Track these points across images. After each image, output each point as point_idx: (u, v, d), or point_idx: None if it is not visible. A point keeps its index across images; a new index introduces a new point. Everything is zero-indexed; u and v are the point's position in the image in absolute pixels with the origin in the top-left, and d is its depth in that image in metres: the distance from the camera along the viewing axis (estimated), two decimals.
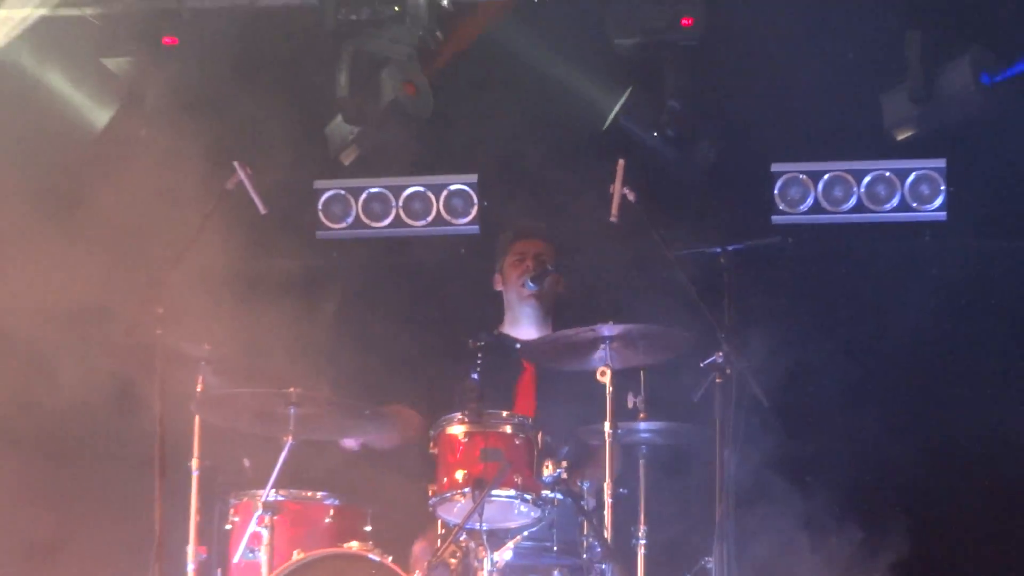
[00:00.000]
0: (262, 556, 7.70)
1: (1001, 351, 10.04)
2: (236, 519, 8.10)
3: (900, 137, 10.06)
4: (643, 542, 7.98)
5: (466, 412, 7.56)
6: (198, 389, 8.07)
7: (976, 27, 10.11)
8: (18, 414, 9.24)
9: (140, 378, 8.42)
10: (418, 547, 8.13)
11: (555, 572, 7.78)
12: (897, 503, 9.81)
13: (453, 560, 7.38)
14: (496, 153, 10.22)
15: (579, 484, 7.83)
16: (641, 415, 8.03)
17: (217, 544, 8.21)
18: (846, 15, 10.25)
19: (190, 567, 7.91)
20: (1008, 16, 10.08)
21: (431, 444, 7.65)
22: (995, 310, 10.16)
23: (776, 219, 10.12)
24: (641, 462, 8.23)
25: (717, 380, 7.82)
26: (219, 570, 8.17)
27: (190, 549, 7.89)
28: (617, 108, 10.24)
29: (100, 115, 10.66)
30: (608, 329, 7.78)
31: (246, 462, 8.70)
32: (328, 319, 10.03)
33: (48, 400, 9.15)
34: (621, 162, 8.29)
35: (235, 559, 7.90)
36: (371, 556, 7.37)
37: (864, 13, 10.18)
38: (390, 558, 7.37)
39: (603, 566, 7.66)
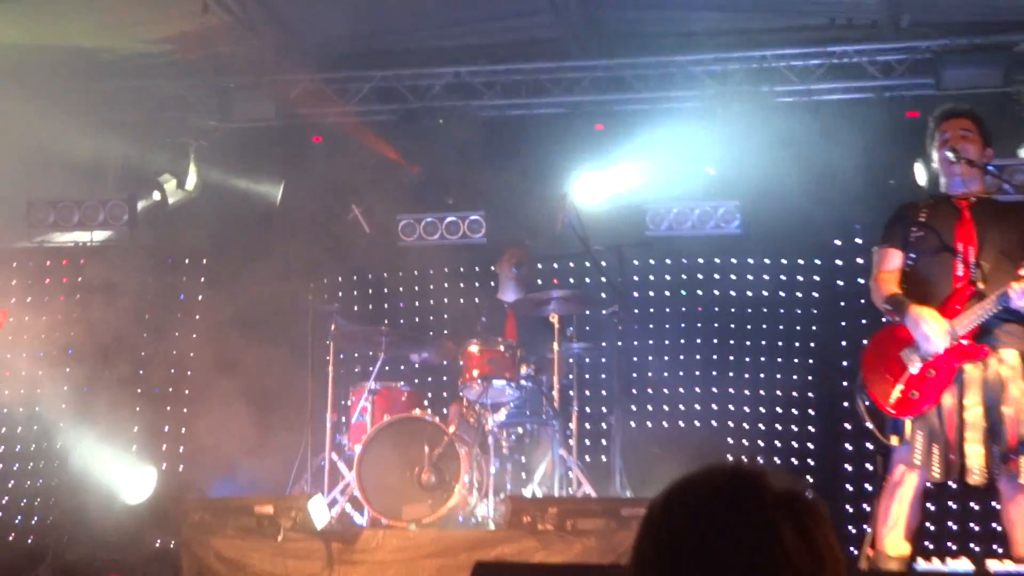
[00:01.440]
0: (367, 419, 8.45)
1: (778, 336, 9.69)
2: (353, 398, 8.76)
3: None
4: (575, 411, 8.71)
5: (478, 339, 8.40)
6: (332, 328, 8.79)
7: None
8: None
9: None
10: (452, 411, 8.64)
11: (528, 425, 8.60)
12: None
13: (471, 419, 8.27)
14: (496, 199, 10.43)
15: (541, 377, 8.57)
16: (573, 339, 8.76)
17: (342, 412, 8.91)
18: None
19: (328, 424, 8.58)
20: None
21: (460, 356, 8.39)
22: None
23: (647, 233, 9.93)
24: (573, 364, 8.89)
25: (615, 321, 8.69)
26: (344, 428, 8.74)
27: (327, 415, 8.65)
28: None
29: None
30: (555, 292, 8.66)
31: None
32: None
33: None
34: (568, 197, 9.08)
35: (353, 420, 8.60)
36: (427, 418, 8.14)
37: None
38: (437, 419, 8.13)
39: (554, 422, 8.43)
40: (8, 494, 7.40)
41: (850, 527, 8.41)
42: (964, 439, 5.72)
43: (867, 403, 6.07)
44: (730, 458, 9.15)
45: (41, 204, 10.45)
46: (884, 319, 6.21)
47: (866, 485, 8.62)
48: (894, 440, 5.93)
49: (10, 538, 8.67)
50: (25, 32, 9.38)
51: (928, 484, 5.94)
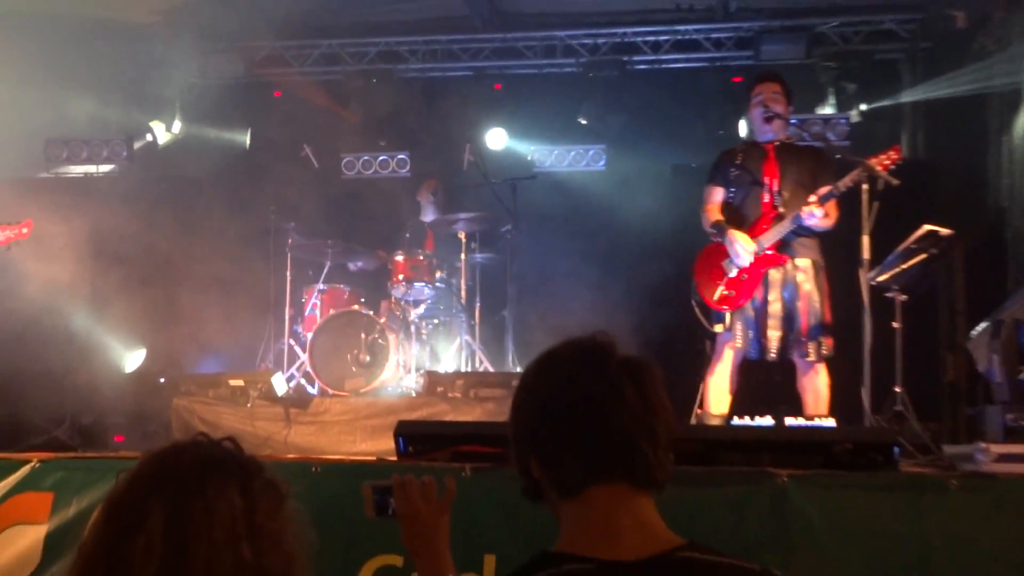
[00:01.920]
0: (317, 313, 8.46)
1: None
2: (306, 296, 8.64)
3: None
4: (478, 306, 8.72)
5: (403, 250, 8.36)
6: (289, 242, 8.74)
7: None
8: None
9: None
10: (383, 306, 8.45)
11: (441, 316, 8.70)
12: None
13: (398, 313, 8.29)
14: (418, 142, 10.31)
15: (451, 280, 8.63)
16: (476, 251, 8.87)
17: (298, 307, 8.76)
18: None
19: (287, 317, 8.59)
20: None
21: (389, 263, 8.35)
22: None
23: (534, 170, 9.79)
24: (477, 270, 8.98)
25: (509, 237, 8.70)
26: (299, 319, 8.64)
27: (286, 309, 8.64)
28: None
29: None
30: (462, 214, 8.62)
31: None
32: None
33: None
34: (472, 141, 9.34)
35: (306, 314, 8.54)
36: (363, 311, 8.07)
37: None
38: (371, 312, 8.08)
39: (462, 315, 8.61)
40: (32, 371, 7.26)
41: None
42: (768, 326, 5.86)
43: (698, 300, 6.17)
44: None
45: (56, 142, 10.22)
46: (711, 239, 6.23)
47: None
48: (718, 328, 6.09)
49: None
50: (42, 3, 9.21)
51: (744, 359, 6.05)
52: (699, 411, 6.16)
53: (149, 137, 10.42)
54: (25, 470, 4.23)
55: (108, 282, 8.45)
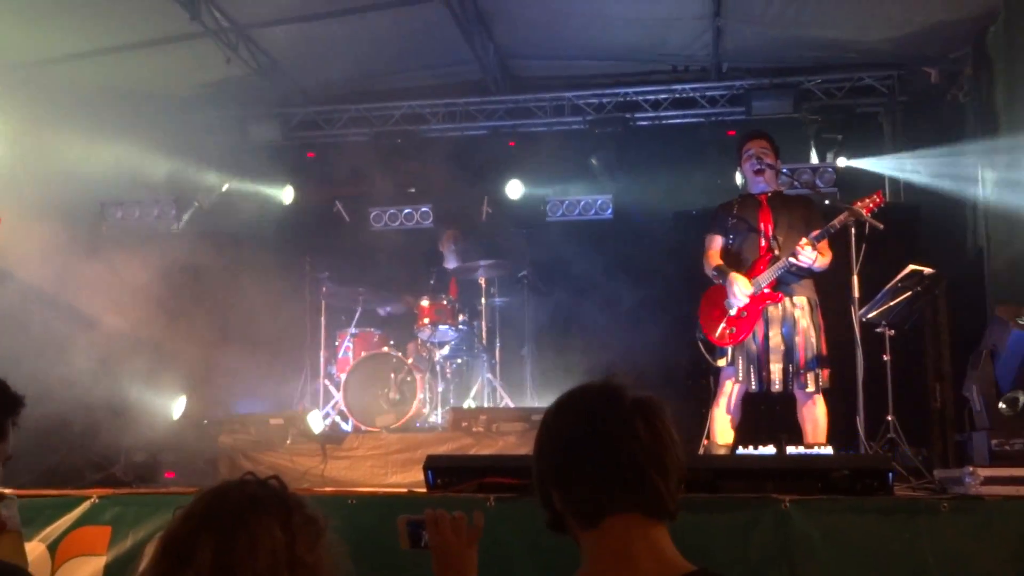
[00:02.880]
0: (350, 355, 8.48)
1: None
2: (339, 340, 8.66)
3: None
4: (498, 346, 8.82)
5: (428, 295, 8.30)
6: (323, 290, 8.83)
7: None
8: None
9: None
10: (410, 348, 8.38)
11: (464, 356, 8.60)
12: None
13: (424, 354, 8.25)
14: (439, 195, 10.24)
15: (473, 323, 8.56)
16: (496, 295, 8.97)
17: (332, 350, 8.76)
18: None
19: (321, 359, 8.68)
20: None
21: (415, 308, 8.28)
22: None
23: (547, 219, 9.92)
24: (496, 313, 9.02)
25: (525, 282, 8.93)
26: (333, 361, 8.64)
27: (321, 352, 8.74)
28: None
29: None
30: (482, 262, 8.65)
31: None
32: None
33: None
34: (488, 194, 9.53)
35: (339, 356, 8.56)
36: (392, 353, 8.07)
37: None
38: (399, 354, 8.08)
39: (483, 354, 8.60)
40: (90, 414, 7.27)
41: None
42: (769, 360, 5.85)
43: (702, 338, 6.16)
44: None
45: (111, 204, 10.31)
46: (713, 281, 6.22)
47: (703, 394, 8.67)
48: (721, 362, 6.09)
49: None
50: (103, 76, 9.28)
51: (746, 392, 6.02)
52: (706, 441, 6.12)
53: (196, 204, 10.36)
54: (85, 506, 4.26)
55: (158, 329, 8.44)
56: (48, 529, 4.21)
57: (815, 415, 5.85)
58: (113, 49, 8.80)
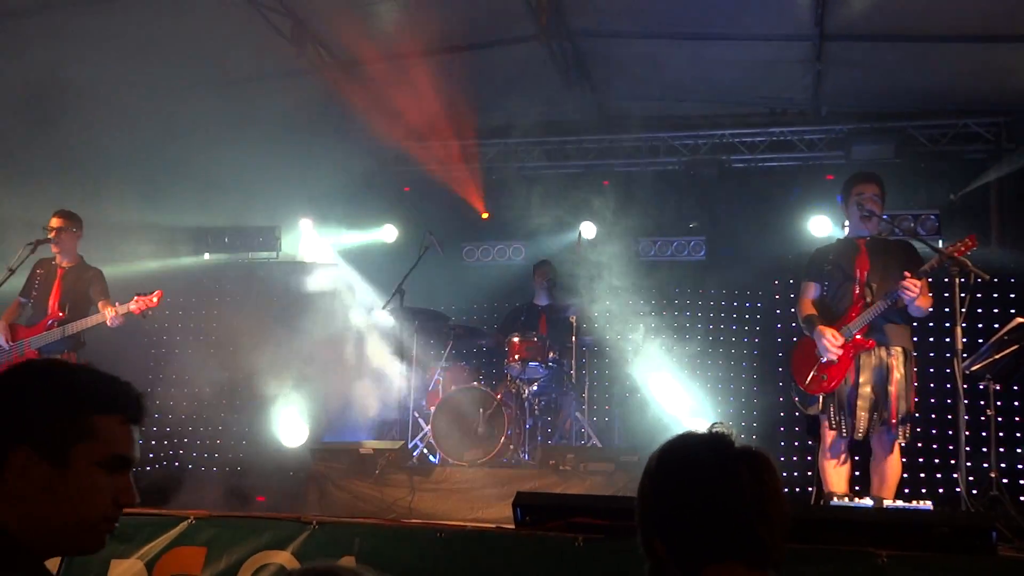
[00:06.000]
0: (440, 388, 8.47)
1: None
2: (429, 373, 8.64)
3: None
4: (587, 384, 8.72)
5: (518, 332, 8.36)
6: (415, 324, 8.67)
7: None
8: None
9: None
10: (500, 383, 8.39)
11: (553, 394, 8.47)
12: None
13: (513, 390, 8.20)
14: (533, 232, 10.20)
15: (563, 360, 8.43)
16: (586, 334, 8.81)
17: (422, 383, 8.71)
18: None
19: (412, 392, 8.53)
20: None
21: (506, 344, 8.31)
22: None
23: (639, 259, 9.77)
24: (586, 351, 8.95)
25: (616, 320, 8.91)
26: (424, 394, 8.62)
27: (411, 384, 8.57)
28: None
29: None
30: (573, 300, 8.69)
31: None
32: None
33: None
34: (582, 233, 9.67)
35: (429, 389, 8.58)
36: (481, 388, 8.08)
37: None
38: (488, 389, 8.08)
39: (572, 392, 8.47)
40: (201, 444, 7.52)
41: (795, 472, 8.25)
42: (857, 407, 5.74)
43: (793, 385, 6.09)
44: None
45: (210, 230, 10.56)
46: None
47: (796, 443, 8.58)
48: (812, 410, 5.98)
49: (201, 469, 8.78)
50: (212, 108, 9.24)
51: (844, 438, 5.86)
52: (812, 489, 6.04)
53: (300, 229, 10.45)
54: (183, 526, 4.33)
55: (258, 358, 8.60)
56: (147, 547, 4.28)
57: (893, 468, 5.74)
58: (228, 83, 9.08)
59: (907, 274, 5.60)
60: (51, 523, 1.73)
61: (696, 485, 1.87)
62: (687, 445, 1.96)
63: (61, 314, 7.16)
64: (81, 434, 1.75)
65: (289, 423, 8.98)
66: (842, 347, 5.77)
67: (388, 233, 10.61)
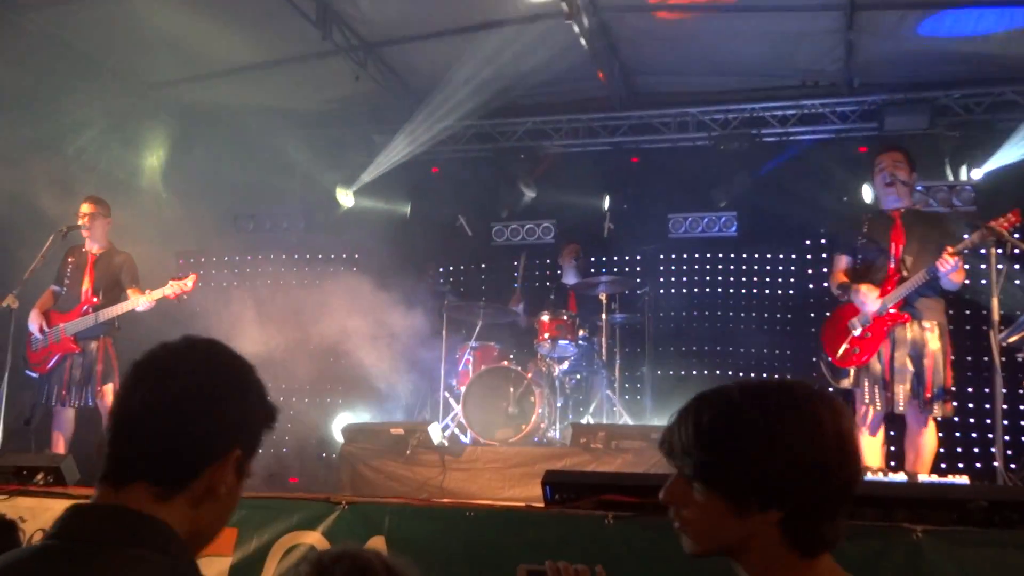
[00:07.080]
0: (470, 368, 8.48)
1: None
2: (460, 353, 8.65)
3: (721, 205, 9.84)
4: (617, 362, 8.56)
5: (548, 310, 8.31)
6: (445, 303, 8.75)
7: None
8: None
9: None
10: (530, 362, 8.35)
11: (584, 372, 8.47)
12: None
13: (543, 368, 8.21)
14: (561, 211, 10.34)
15: (593, 339, 8.46)
16: (616, 311, 8.76)
17: (451, 363, 8.71)
18: None
19: (442, 371, 8.49)
20: None
21: (535, 323, 8.29)
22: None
23: (670, 236, 9.87)
24: (616, 329, 8.78)
25: (646, 298, 8.86)
26: (454, 374, 8.66)
27: (442, 364, 8.53)
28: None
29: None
30: (603, 277, 8.63)
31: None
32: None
33: None
34: (608, 214, 9.75)
35: (460, 369, 8.59)
36: (512, 367, 8.07)
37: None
38: (519, 368, 8.05)
39: (603, 370, 8.44)
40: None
41: None
42: (895, 381, 5.70)
43: (823, 358, 6.06)
44: None
45: (244, 215, 10.68)
46: (839, 300, 6.08)
47: None
48: (844, 383, 5.92)
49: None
50: (239, 94, 9.67)
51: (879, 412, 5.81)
52: None
53: (339, 199, 10.48)
54: None
55: (286, 340, 8.61)
56: None
57: (928, 442, 5.69)
58: (250, 67, 9.15)
59: (949, 249, 5.51)
60: (213, 528, 1.64)
61: (781, 422, 1.69)
62: (771, 386, 1.77)
63: (95, 300, 7.24)
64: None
65: (324, 404, 9.01)
66: (875, 318, 5.70)
67: (413, 212, 10.68)
